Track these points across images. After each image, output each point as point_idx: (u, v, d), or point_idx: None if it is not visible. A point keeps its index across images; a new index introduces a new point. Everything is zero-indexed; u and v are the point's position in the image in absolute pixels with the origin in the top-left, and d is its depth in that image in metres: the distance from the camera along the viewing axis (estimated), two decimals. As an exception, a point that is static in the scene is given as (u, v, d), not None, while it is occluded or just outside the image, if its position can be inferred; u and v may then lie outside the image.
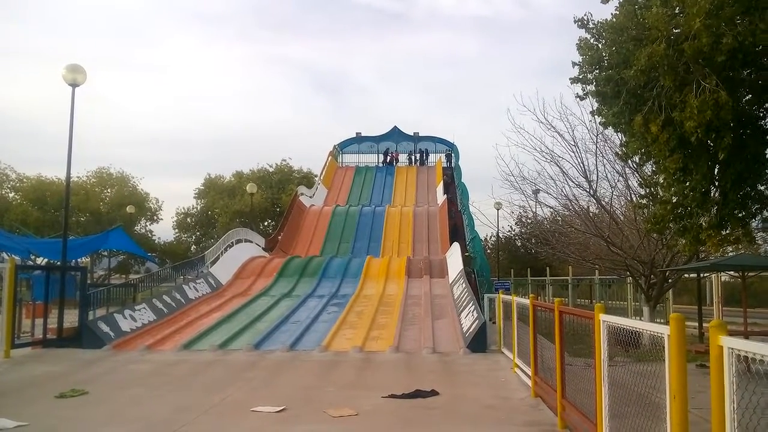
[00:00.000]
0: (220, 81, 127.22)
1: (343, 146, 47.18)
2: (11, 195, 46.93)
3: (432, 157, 46.18)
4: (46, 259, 23.81)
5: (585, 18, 10.91)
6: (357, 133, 47.82)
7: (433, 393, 9.51)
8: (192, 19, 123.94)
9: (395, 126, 47.89)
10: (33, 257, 24.24)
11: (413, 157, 46.02)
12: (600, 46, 10.79)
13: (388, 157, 45.59)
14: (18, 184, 47.05)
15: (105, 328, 15.36)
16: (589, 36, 10.93)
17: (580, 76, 11.14)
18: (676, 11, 9.55)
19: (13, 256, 18.99)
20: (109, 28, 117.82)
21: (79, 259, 26.49)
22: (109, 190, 51.23)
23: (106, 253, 36.25)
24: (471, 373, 11.62)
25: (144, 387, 10.25)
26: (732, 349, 3.61)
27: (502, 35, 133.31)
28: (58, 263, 17.01)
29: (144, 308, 17.50)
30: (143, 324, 16.70)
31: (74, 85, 15.59)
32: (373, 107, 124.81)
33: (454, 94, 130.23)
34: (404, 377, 10.90)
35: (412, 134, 47.76)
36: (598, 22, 10.82)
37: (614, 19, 10.46)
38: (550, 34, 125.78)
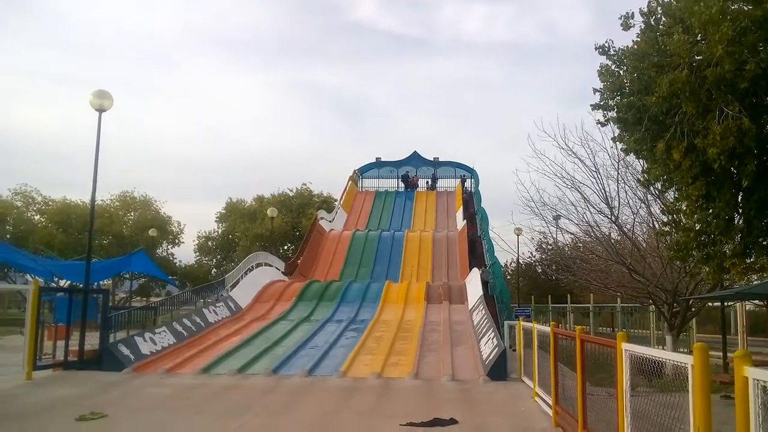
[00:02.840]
0: (243, 106, 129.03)
1: (363, 171, 47.37)
2: (36, 217, 47.71)
3: (451, 182, 46.14)
4: (69, 282, 24.07)
5: (606, 45, 10.94)
6: (377, 158, 48.03)
7: (453, 422, 9.40)
8: (216, 44, 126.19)
9: (415, 151, 48.04)
10: (56, 279, 24.53)
11: (427, 183, 46.05)
12: (621, 72, 10.80)
13: (410, 180, 45.59)
14: (44, 207, 47.84)
15: (125, 350, 15.44)
16: (610, 63, 10.95)
17: (602, 103, 11.13)
18: (698, 38, 9.54)
19: (36, 278, 19.23)
20: (134, 52, 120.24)
21: (101, 282, 26.75)
22: (132, 214, 51.91)
23: (127, 276, 36.61)
24: (491, 401, 11.48)
25: (163, 411, 10.26)
26: (758, 380, 3.55)
27: (525, 60, 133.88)
28: (81, 285, 17.17)
29: (164, 331, 17.58)
30: (163, 347, 16.76)
31: (101, 110, 15.86)
32: (393, 132, 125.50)
33: (476, 118, 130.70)
34: (423, 405, 10.79)
35: (431, 159, 47.84)
36: (619, 48, 10.84)
37: (635, 46, 10.47)
38: (573, 60, 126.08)
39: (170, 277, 43.53)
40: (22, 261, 22.50)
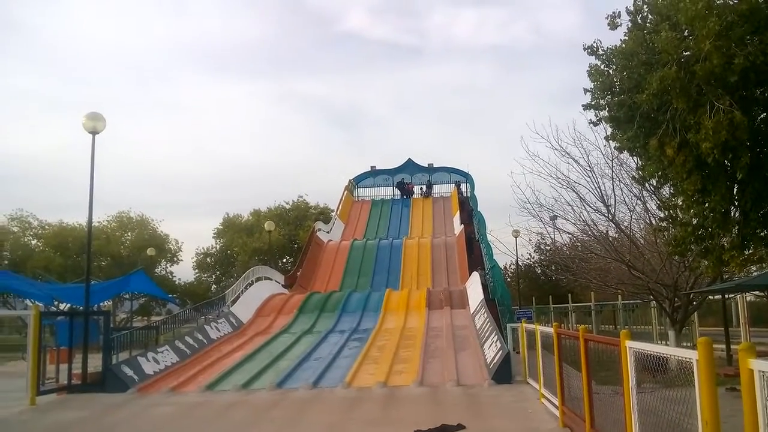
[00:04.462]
0: (236, 120, 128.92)
1: (359, 180, 47.42)
2: (34, 242, 47.58)
3: (447, 188, 46.16)
4: (69, 305, 23.98)
5: (594, 45, 11.02)
6: (372, 167, 48.06)
7: (460, 427, 9.39)
8: (206, 58, 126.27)
9: (409, 158, 48.09)
10: (56, 303, 24.44)
11: (421, 189, 45.85)
12: (611, 71, 10.87)
13: (405, 187, 45.49)
14: (40, 231, 47.73)
15: (128, 371, 15.39)
16: (599, 62, 11.02)
17: (593, 102, 11.20)
18: (686, 34, 9.62)
19: (36, 303, 19.17)
20: (125, 71, 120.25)
21: (101, 304, 26.68)
22: (129, 234, 51.77)
23: (127, 297, 36.52)
24: (497, 405, 11.47)
25: (168, 430, 10.23)
26: (763, 372, 3.57)
27: (517, 63, 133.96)
28: (81, 308, 17.12)
29: (167, 350, 17.53)
30: (166, 366, 16.71)
31: (94, 132, 15.84)
32: (388, 140, 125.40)
33: (470, 122, 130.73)
34: (430, 411, 10.78)
35: (426, 165, 47.90)
36: (607, 48, 10.91)
37: (623, 45, 10.55)
38: (564, 60, 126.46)
39: (170, 296, 43.39)
40: (22, 287, 22.44)
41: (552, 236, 27.30)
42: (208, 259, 56.72)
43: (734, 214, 10.61)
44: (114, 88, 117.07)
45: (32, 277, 30.87)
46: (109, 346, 16.10)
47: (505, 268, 43.39)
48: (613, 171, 17.80)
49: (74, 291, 22.23)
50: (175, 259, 53.72)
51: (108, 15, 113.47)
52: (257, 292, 26.06)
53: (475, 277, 24.27)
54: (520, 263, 40.26)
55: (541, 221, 20.63)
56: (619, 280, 20.40)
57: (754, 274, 17.27)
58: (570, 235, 22.24)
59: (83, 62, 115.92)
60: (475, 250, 31.01)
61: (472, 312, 21.71)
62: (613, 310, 30.74)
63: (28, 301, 22.10)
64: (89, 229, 17.01)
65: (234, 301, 25.27)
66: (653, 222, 17.36)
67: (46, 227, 47.86)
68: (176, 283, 52.52)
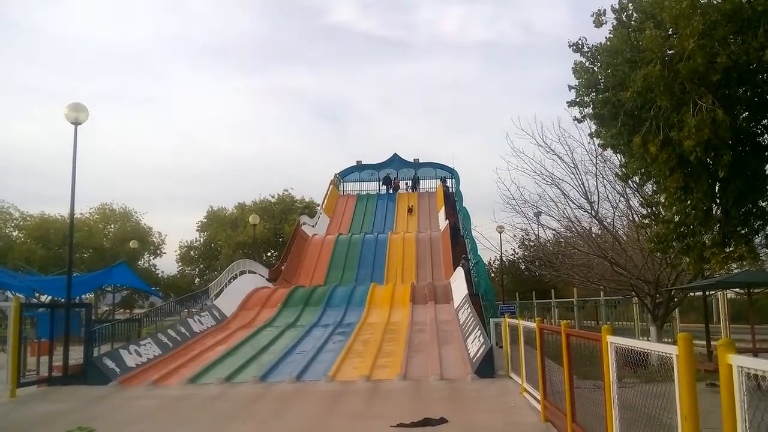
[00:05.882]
0: (221, 113, 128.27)
1: (344, 175, 47.37)
2: (15, 233, 47.11)
3: (432, 183, 46.30)
4: (50, 297, 23.79)
5: (580, 42, 11.07)
6: (357, 162, 48.05)
7: (443, 421, 9.43)
8: (192, 51, 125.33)
9: (395, 153, 48.14)
10: (37, 295, 24.23)
11: (406, 184, 46.09)
12: (595, 69, 10.93)
13: (392, 182, 45.59)
14: (22, 223, 47.26)
15: (110, 364, 15.30)
16: (584, 60, 11.08)
17: (577, 99, 11.26)
18: (670, 33, 9.69)
19: (17, 294, 18.98)
20: (111, 63, 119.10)
21: (83, 296, 26.47)
22: (112, 226, 51.44)
23: (110, 289, 36.31)
24: (480, 399, 11.54)
25: (150, 423, 10.19)
26: (741, 367, 3.61)
27: (503, 59, 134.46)
28: (63, 300, 16.98)
29: (149, 343, 17.43)
30: (149, 359, 16.62)
31: (76, 123, 15.68)
32: (374, 135, 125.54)
33: (456, 119, 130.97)
34: (413, 405, 10.82)
35: (412, 161, 47.96)
36: (593, 46, 10.97)
37: (608, 43, 10.61)
38: (550, 57, 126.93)
39: (153, 288, 43.18)
40: (2, 278, 22.23)
41: (536, 232, 27.40)
42: (192, 252, 56.47)
43: (716, 212, 10.72)
44: (98, 79, 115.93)
45: (13, 269, 30.56)
46: (90, 338, 15.99)
47: (489, 263, 43.67)
48: (596, 168, 17.93)
49: (56, 283, 22.07)
50: (159, 251, 53.50)
51: (93, 5, 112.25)
52: (241, 286, 25.96)
53: (460, 272, 24.35)
54: (504, 259, 40.51)
55: (525, 217, 20.73)
56: (602, 277, 20.55)
57: (735, 271, 17.46)
58: (554, 232, 22.37)
59: (68, 52, 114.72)
60: (459, 245, 31.11)
61: (456, 307, 21.78)
62: (596, 306, 30.99)
63: (8, 293, 21.89)
64: (71, 220, 16.86)
65: (217, 295, 25.18)
66: (636, 219, 17.50)
67: (28, 219, 47.41)
68: (159, 275, 52.30)
